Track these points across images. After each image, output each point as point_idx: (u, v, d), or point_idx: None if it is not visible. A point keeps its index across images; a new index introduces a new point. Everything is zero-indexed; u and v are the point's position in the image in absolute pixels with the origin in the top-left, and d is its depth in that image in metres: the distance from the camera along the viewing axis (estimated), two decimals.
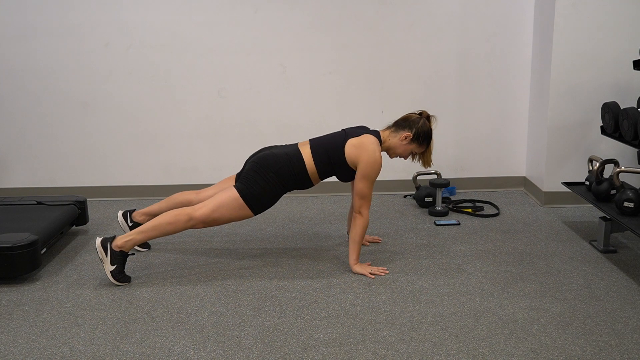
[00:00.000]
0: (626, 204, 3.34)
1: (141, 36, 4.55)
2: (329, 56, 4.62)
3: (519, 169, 4.85)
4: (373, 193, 4.73)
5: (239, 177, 3.39)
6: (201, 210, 3.19)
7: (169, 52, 4.58)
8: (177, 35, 4.56)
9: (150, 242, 3.68)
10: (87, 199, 4.16)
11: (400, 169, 4.79)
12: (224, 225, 3.70)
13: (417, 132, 3.31)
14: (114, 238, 3.15)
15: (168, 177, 4.80)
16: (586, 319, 2.77)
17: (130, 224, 3.58)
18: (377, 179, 4.76)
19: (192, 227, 3.21)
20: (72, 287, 3.19)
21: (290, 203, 4.59)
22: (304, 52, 4.60)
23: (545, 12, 4.33)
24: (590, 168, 3.79)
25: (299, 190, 4.79)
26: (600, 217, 3.57)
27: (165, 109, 4.68)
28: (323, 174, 3.33)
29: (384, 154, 3.39)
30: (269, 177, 3.22)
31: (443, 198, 4.47)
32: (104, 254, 3.12)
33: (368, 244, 3.71)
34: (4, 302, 3.03)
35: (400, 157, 3.42)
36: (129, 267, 3.34)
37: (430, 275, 3.25)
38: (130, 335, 2.70)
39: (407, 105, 4.69)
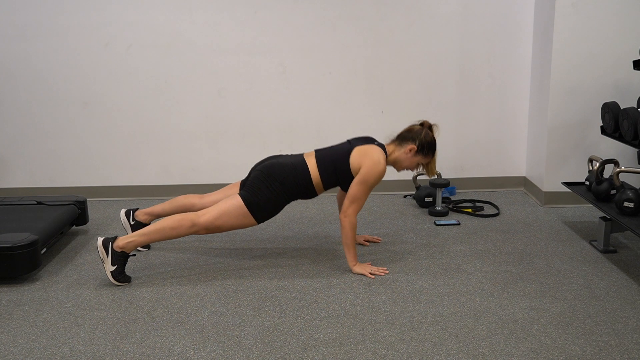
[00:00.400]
0: (626, 204, 3.34)
1: (141, 36, 4.55)
2: (329, 56, 4.62)
3: (519, 169, 4.85)
4: (373, 193, 4.76)
5: (243, 184, 3.40)
6: (205, 216, 3.20)
7: (169, 52, 4.58)
8: (177, 35, 4.56)
9: None
10: (87, 199, 4.16)
11: None
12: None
13: (421, 143, 3.33)
14: (115, 238, 3.15)
15: (168, 177, 4.80)
16: (586, 319, 2.77)
17: (132, 223, 3.57)
18: None
19: (195, 232, 3.22)
20: (72, 287, 3.19)
21: (290, 203, 4.58)
22: (304, 52, 4.61)
23: (545, 12, 4.33)
24: (590, 168, 3.79)
25: None
26: (600, 217, 3.57)
27: (165, 109, 4.68)
28: (328, 184, 3.34)
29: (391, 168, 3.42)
30: (274, 186, 3.24)
31: (443, 198, 4.47)
32: (105, 254, 3.12)
33: (368, 244, 3.71)
34: (4, 302, 3.03)
35: (407, 169, 3.44)
36: (129, 267, 3.34)
37: (430, 275, 3.25)
38: (130, 335, 2.70)
39: (407, 105, 4.71)
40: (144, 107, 4.68)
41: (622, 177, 3.83)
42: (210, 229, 3.23)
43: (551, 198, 4.42)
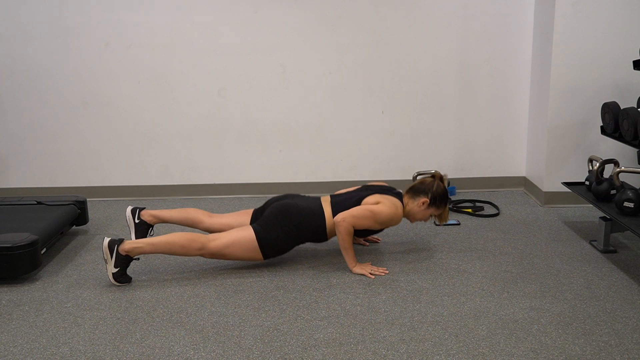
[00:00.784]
0: (626, 204, 3.34)
1: (141, 36, 4.55)
2: (329, 56, 4.62)
3: (519, 169, 4.85)
4: None
5: (256, 213, 3.44)
6: (215, 242, 3.22)
7: (169, 52, 4.58)
8: (177, 35, 4.56)
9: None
10: (87, 199, 4.16)
11: (400, 168, 4.79)
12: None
13: (434, 196, 3.40)
14: (122, 241, 3.15)
15: (168, 177, 4.80)
16: (586, 319, 2.77)
17: (137, 221, 3.56)
18: (377, 178, 4.82)
19: (201, 255, 3.24)
20: (72, 287, 3.19)
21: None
22: (304, 52, 4.60)
23: (545, 12, 4.33)
24: (590, 168, 3.79)
25: (298, 190, 4.81)
26: (600, 217, 3.57)
27: (165, 109, 4.68)
28: None
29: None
30: (289, 228, 3.27)
31: None
32: (109, 255, 3.12)
33: (367, 244, 3.71)
34: (4, 302, 3.03)
35: (420, 221, 3.50)
36: (130, 266, 3.34)
37: (430, 275, 3.25)
38: (130, 335, 2.70)
39: (407, 105, 4.71)
40: (144, 107, 4.68)
41: (622, 177, 3.83)
42: (217, 256, 3.25)
43: (551, 198, 4.42)
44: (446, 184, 3.49)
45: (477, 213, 4.25)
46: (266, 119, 4.71)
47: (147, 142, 4.74)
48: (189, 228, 3.60)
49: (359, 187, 3.53)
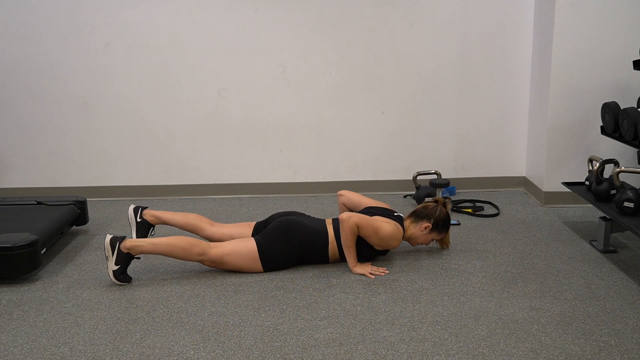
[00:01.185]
0: (626, 204, 3.34)
1: (141, 36, 4.55)
2: (329, 56, 4.62)
3: (519, 169, 4.85)
4: (373, 193, 4.76)
5: (258, 226, 3.46)
6: (216, 249, 3.23)
7: (169, 52, 4.58)
8: (177, 35, 4.56)
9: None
10: (87, 199, 4.16)
11: (400, 168, 4.79)
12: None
13: (436, 221, 3.43)
14: (124, 239, 3.16)
15: (168, 177, 4.80)
16: (586, 319, 2.77)
17: (138, 220, 3.57)
18: (377, 178, 4.82)
19: (200, 261, 3.25)
20: (72, 287, 3.19)
21: (291, 203, 4.59)
22: (304, 52, 4.60)
23: (545, 12, 4.33)
24: (590, 168, 3.79)
25: (298, 190, 4.82)
26: (600, 217, 3.57)
27: (165, 109, 4.68)
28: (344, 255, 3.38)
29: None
30: (292, 244, 3.28)
31: (443, 197, 4.46)
32: (110, 252, 3.12)
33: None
34: (4, 302, 3.03)
35: (421, 244, 3.53)
36: (130, 266, 3.33)
37: (430, 275, 3.25)
38: (130, 335, 2.70)
39: (407, 105, 4.71)
40: (144, 107, 4.68)
41: (622, 177, 3.82)
42: (216, 263, 3.25)
43: (551, 198, 4.42)
44: (449, 209, 3.51)
45: (477, 213, 4.25)
46: (266, 119, 4.71)
47: (147, 142, 4.74)
48: (190, 233, 3.60)
49: (360, 211, 3.53)
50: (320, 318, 2.81)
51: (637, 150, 3.99)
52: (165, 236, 3.33)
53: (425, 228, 3.41)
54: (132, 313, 2.89)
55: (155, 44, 4.57)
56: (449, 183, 4.27)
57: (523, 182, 4.85)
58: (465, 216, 4.22)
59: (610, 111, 3.73)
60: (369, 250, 3.36)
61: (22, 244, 3.15)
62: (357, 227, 3.22)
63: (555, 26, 4.16)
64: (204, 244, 3.24)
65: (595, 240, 3.65)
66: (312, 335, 2.67)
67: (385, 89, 4.68)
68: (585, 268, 3.32)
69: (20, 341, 2.67)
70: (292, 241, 3.28)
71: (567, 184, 4.02)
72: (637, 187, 3.61)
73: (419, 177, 4.55)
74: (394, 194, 4.78)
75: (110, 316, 2.87)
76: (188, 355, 2.53)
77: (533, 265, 3.37)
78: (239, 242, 3.28)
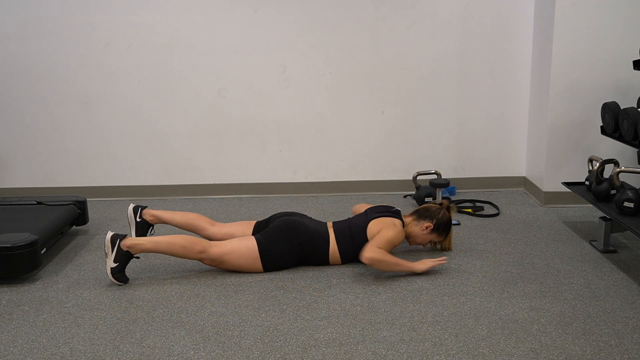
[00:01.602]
0: (626, 204, 3.34)
1: (141, 36, 4.55)
2: (329, 56, 4.62)
3: (519, 169, 4.85)
4: (373, 193, 4.77)
5: (259, 225, 3.46)
6: (216, 248, 3.23)
7: (169, 52, 4.58)
8: (177, 35, 4.56)
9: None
10: (87, 199, 4.16)
11: (400, 168, 4.79)
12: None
13: (438, 223, 3.42)
14: (124, 237, 3.16)
15: (168, 177, 4.80)
16: (586, 319, 2.77)
17: (138, 220, 3.57)
18: (377, 178, 4.82)
19: (200, 260, 3.24)
20: (72, 287, 3.19)
21: (291, 203, 4.59)
22: (304, 52, 4.60)
23: (545, 12, 4.33)
24: (590, 168, 3.79)
25: (298, 190, 4.82)
26: (600, 217, 3.57)
27: (165, 109, 4.68)
28: (345, 257, 3.37)
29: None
30: (292, 244, 3.27)
31: (443, 198, 4.47)
32: (110, 249, 3.13)
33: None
34: (4, 302, 3.03)
35: (419, 244, 3.53)
36: (130, 266, 3.34)
37: (430, 275, 3.25)
38: (130, 335, 2.70)
39: (407, 105, 4.71)
40: (144, 107, 4.67)
41: (622, 177, 3.82)
42: (216, 262, 3.25)
43: (551, 198, 4.42)
44: (453, 214, 3.50)
45: (477, 213, 4.25)
46: (266, 119, 4.71)
47: (147, 142, 4.74)
48: (191, 233, 3.60)
49: (359, 214, 3.53)
50: (320, 318, 2.81)
51: (637, 150, 3.99)
52: (165, 235, 3.33)
53: (426, 228, 3.41)
54: (132, 313, 2.89)
55: (155, 44, 4.57)
56: (449, 183, 4.27)
57: (523, 182, 4.85)
58: (465, 216, 4.22)
59: (610, 111, 3.73)
60: None
61: (22, 244, 3.15)
62: (379, 256, 3.14)
63: (555, 26, 4.16)
64: (205, 242, 3.24)
65: (595, 240, 3.65)
66: (312, 335, 2.67)
67: (385, 89, 4.68)
68: (585, 268, 3.32)
69: (20, 341, 2.67)
70: (293, 241, 3.28)
71: (567, 184, 4.02)
72: (637, 187, 3.61)
73: (419, 177, 4.55)
74: (394, 194, 4.78)
75: (110, 316, 2.87)
76: (188, 355, 2.53)
77: (533, 265, 3.37)
78: (240, 241, 3.28)
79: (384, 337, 2.64)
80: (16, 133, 4.70)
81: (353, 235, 3.34)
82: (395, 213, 3.45)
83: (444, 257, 3.30)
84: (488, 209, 4.37)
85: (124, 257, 3.14)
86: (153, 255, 3.56)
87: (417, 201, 4.46)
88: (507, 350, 2.53)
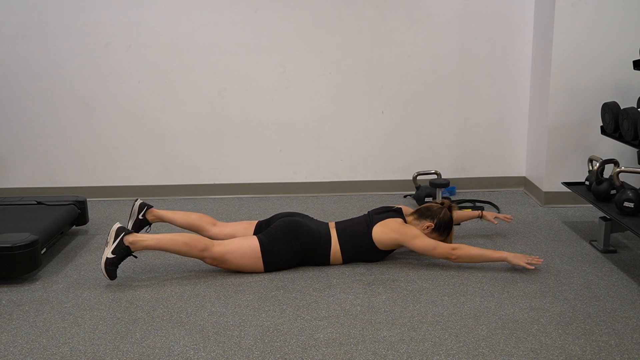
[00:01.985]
0: (626, 204, 3.34)
1: (141, 36, 4.55)
2: (329, 56, 4.62)
3: (519, 169, 4.85)
4: (373, 193, 4.77)
5: (260, 225, 3.46)
6: (218, 247, 3.22)
7: (169, 52, 4.58)
8: (177, 35, 4.56)
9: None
10: (87, 199, 4.16)
11: (400, 168, 4.79)
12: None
13: (439, 222, 3.41)
14: (130, 232, 3.16)
15: (168, 177, 4.80)
16: (586, 319, 2.77)
17: (140, 217, 3.57)
18: (377, 178, 4.82)
19: (202, 258, 3.23)
20: (72, 287, 3.19)
21: (291, 203, 4.59)
22: (304, 52, 4.60)
23: (545, 12, 4.33)
24: (590, 168, 3.79)
25: (298, 190, 4.82)
26: (600, 217, 3.57)
27: (165, 108, 4.68)
28: (348, 257, 3.38)
29: None
30: (294, 244, 3.27)
31: (443, 198, 4.46)
32: (112, 239, 3.13)
33: (496, 222, 3.73)
34: (4, 302, 3.03)
35: None
36: (130, 266, 3.34)
37: (430, 275, 3.25)
38: (130, 335, 2.70)
39: (407, 105, 4.71)
40: (144, 107, 4.68)
41: (622, 177, 3.82)
42: (218, 261, 3.24)
43: (551, 198, 4.42)
44: (453, 214, 3.50)
45: None
46: (266, 119, 4.71)
47: (147, 142, 4.74)
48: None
49: (361, 215, 3.55)
50: (320, 318, 2.81)
51: (637, 150, 3.99)
52: (166, 233, 3.33)
53: (427, 227, 3.41)
54: (132, 313, 2.89)
55: (155, 44, 4.57)
56: (449, 183, 4.27)
57: (523, 182, 4.85)
58: None
59: (610, 111, 3.73)
60: (374, 254, 3.37)
61: (22, 244, 3.14)
62: (454, 250, 3.24)
63: (555, 26, 4.17)
64: (207, 240, 3.24)
65: (595, 240, 3.65)
66: (312, 335, 2.67)
67: (385, 89, 4.68)
68: (585, 268, 3.32)
69: (20, 341, 2.67)
70: (295, 242, 3.28)
71: (567, 184, 4.02)
72: (637, 187, 3.61)
73: (419, 177, 4.55)
74: (394, 194, 4.78)
75: (110, 316, 2.87)
76: (188, 355, 2.53)
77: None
78: (242, 241, 3.27)
79: (384, 337, 2.64)
80: (16, 133, 4.70)
81: (354, 237, 3.34)
82: (396, 212, 3.46)
83: (539, 257, 3.29)
84: (488, 209, 4.37)
85: (123, 251, 3.14)
86: (153, 255, 3.56)
87: (417, 201, 4.46)
88: (507, 350, 2.53)
